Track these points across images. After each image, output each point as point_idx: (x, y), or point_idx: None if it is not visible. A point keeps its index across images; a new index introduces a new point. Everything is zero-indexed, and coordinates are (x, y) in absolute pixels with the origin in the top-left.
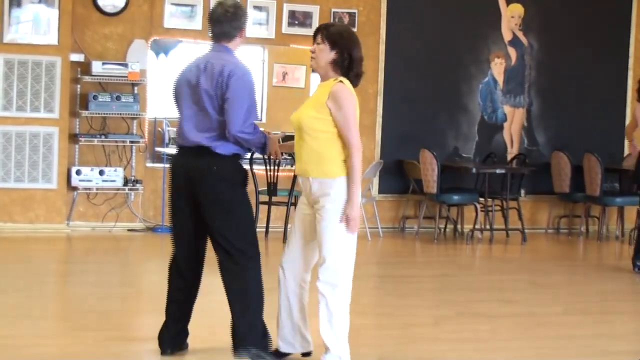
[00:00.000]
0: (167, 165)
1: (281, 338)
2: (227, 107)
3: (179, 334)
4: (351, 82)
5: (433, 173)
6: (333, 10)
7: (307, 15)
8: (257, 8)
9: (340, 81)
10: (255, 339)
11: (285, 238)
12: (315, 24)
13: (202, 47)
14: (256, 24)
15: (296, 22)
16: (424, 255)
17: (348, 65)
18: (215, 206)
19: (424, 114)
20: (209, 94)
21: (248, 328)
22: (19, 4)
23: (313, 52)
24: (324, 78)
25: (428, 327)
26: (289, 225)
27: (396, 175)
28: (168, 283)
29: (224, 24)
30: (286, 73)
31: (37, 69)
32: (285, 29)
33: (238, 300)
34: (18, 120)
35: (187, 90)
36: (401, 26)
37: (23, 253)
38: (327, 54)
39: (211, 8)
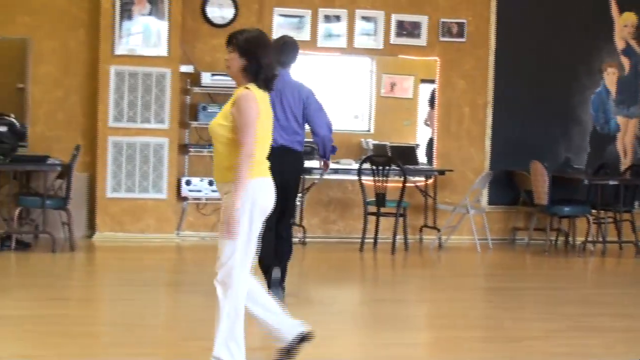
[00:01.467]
0: None
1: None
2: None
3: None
4: (261, 87)
5: (544, 184)
6: (442, 20)
7: (416, 26)
8: (365, 19)
9: (247, 87)
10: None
11: (394, 249)
12: (424, 34)
13: (311, 58)
14: (364, 35)
15: (404, 33)
16: (534, 267)
17: (256, 71)
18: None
19: (534, 125)
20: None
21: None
22: (129, 17)
23: (227, 60)
24: (238, 85)
25: (539, 340)
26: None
27: (506, 187)
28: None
29: (290, 55)
30: (394, 83)
31: (148, 80)
32: (393, 39)
33: (288, 257)
34: (129, 131)
35: (279, 104)
36: (511, 36)
37: (134, 262)
38: (237, 62)
39: (280, 40)
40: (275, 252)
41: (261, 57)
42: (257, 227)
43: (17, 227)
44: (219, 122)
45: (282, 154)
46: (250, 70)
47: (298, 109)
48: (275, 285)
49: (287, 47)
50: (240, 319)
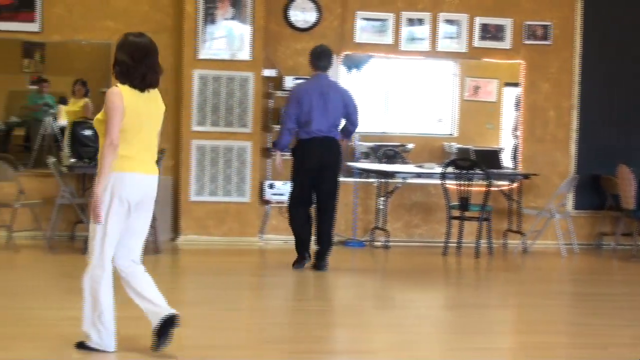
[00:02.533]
0: (358, 180)
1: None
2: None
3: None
4: (135, 87)
5: (631, 188)
6: (527, 23)
7: (500, 29)
8: (449, 22)
9: (116, 86)
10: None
11: (477, 254)
12: (508, 37)
13: (394, 62)
14: (447, 38)
15: (488, 36)
16: (621, 273)
17: (126, 72)
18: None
19: (621, 128)
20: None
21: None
22: (213, 21)
23: None
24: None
25: (625, 347)
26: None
27: (592, 191)
28: (298, 225)
29: (328, 60)
30: (478, 87)
31: (231, 84)
32: (477, 42)
33: (329, 230)
34: (212, 135)
35: (319, 101)
36: (596, 38)
37: (217, 265)
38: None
39: (316, 49)
40: (318, 231)
41: (118, 56)
42: (117, 217)
43: None
44: (97, 117)
45: (326, 141)
46: (116, 71)
47: (340, 106)
48: (300, 264)
49: (324, 54)
50: (101, 301)
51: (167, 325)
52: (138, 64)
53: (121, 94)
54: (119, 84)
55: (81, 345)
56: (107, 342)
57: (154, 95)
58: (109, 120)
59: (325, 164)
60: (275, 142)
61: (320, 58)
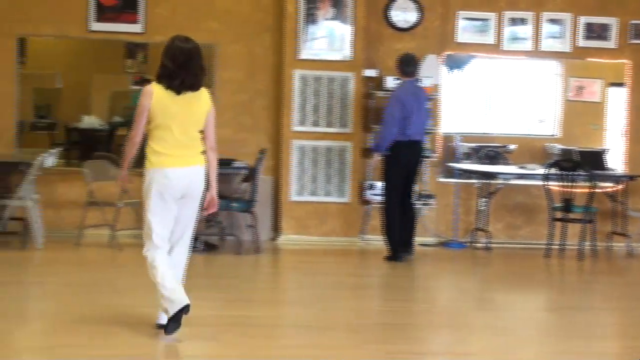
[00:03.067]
0: (459, 181)
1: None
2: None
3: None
4: (167, 85)
5: None
6: (632, 22)
7: (605, 28)
8: (552, 21)
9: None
10: None
11: (581, 256)
12: (613, 37)
13: (495, 62)
14: (550, 37)
15: (593, 35)
16: None
17: (161, 73)
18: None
19: None
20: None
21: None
22: (314, 21)
23: None
24: None
25: None
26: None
27: None
28: (395, 226)
29: (417, 66)
30: (582, 87)
31: (331, 84)
32: (581, 42)
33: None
34: (312, 135)
35: (415, 105)
36: None
37: (317, 266)
38: None
39: (406, 56)
40: (402, 221)
41: (162, 60)
42: (157, 208)
43: (204, 229)
44: None
45: (418, 145)
46: (160, 73)
47: (427, 112)
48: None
49: (413, 61)
50: (159, 279)
51: (180, 312)
52: (179, 69)
53: (151, 94)
54: (153, 83)
55: (164, 326)
56: (179, 298)
57: (196, 96)
58: (134, 117)
59: (415, 166)
60: (378, 143)
61: (410, 64)
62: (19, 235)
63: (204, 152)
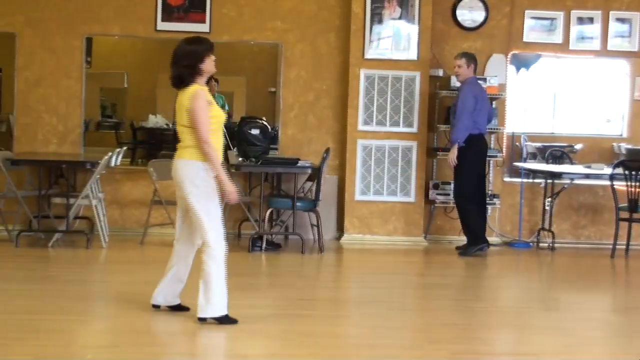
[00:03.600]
0: (525, 180)
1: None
2: None
3: None
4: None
5: None
6: None
7: None
8: (620, 20)
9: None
10: None
11: None
12: None
13: (562, 61)
14: (618, 37)
15: None
16: None
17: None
18: None
19: None
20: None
21: None
22: (380, 21)
23: None
24: None
25: None
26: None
27: None
28: (474, 209)
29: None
30: None
31: (397, 83)
32: None
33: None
34: (377, 135)
35: (482, 100)
36: None
37: (381, 265)
38: None
39: (473, 54)
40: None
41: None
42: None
43: (268, 228)
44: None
45: (485, 139)
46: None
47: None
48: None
49: (475, 59)
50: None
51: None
52: (171, 67)
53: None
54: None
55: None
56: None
57: (184, 93)
58: (200, 119)
59: (485, 159)
60: (455, 136)
61: (476, 63)
62: (84, 234)
63: (192, 147)
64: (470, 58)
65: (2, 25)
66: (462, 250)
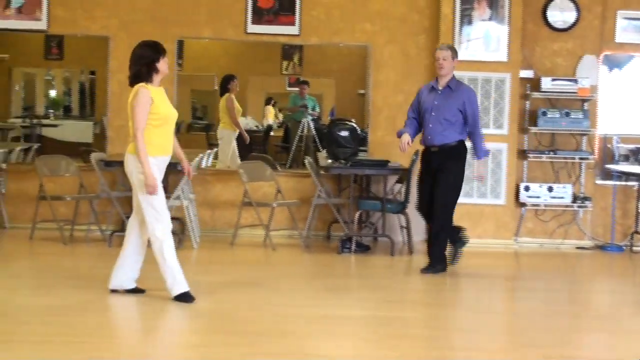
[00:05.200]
0: (617, 183)
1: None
2: None
3: None
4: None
5: None
6: None
7: None
8: None
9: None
10: None
11: None
12: None
13: None
14: None
15: None
16: None
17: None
18: None
19: None
20: None
21: None
22: (469, 22)
23: None
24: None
25: None
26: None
27: None
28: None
29: None
30: None
31: (487, 85)
32: None
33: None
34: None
35: None
36: None
37: (472, 268)
38: None
39: None
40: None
41: None
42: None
43: (357, 229)
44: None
45: None
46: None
47: None
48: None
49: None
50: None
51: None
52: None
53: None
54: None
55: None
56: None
57: (131, 91)
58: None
59: None
60: (484, 149)
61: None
62: (175, 234)
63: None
64: (455, 52)
65: (96, 29)
66: (433, 268)
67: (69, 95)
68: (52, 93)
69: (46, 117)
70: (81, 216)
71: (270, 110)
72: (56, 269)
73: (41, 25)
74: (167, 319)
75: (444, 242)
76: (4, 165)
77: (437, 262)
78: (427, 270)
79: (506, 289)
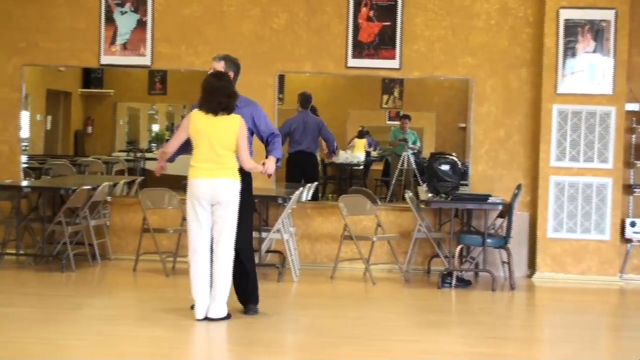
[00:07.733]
0: None
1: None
2: None
3: None
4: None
5: None
6: None
7: None
8: None
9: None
10: None
11: None
12: None
13: None
14: None
15: None
16: None
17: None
18: None
19: None
20: None
21: None
22: (573, 54)
23: None
24: None
25: None
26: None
27: None
28: None
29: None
30: None
31: (591, 118)
32: None
33: None
34: (571, 171)
35: None
36: None
37: (574, 304)
38: None
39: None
40: None
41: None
42: (191, 213)
43: (458, 264)
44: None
45: None
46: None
47: None
48: None
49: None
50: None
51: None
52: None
53: (189, 117)
54: (193, 110)
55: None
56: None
57: (226, 118)
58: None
59: None
60: None
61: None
62: (276, 267)
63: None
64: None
65: (200, 64)
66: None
67: (171, 130)
68: (155, 127)
69: (149, 150)
70: (183, 248)
71: (357, 142)
72: (159, 300)
73: (145, 60)
74: (263, 352)
75: None
76: (109, 198)
77: None
78: None
79: (611, 327)
